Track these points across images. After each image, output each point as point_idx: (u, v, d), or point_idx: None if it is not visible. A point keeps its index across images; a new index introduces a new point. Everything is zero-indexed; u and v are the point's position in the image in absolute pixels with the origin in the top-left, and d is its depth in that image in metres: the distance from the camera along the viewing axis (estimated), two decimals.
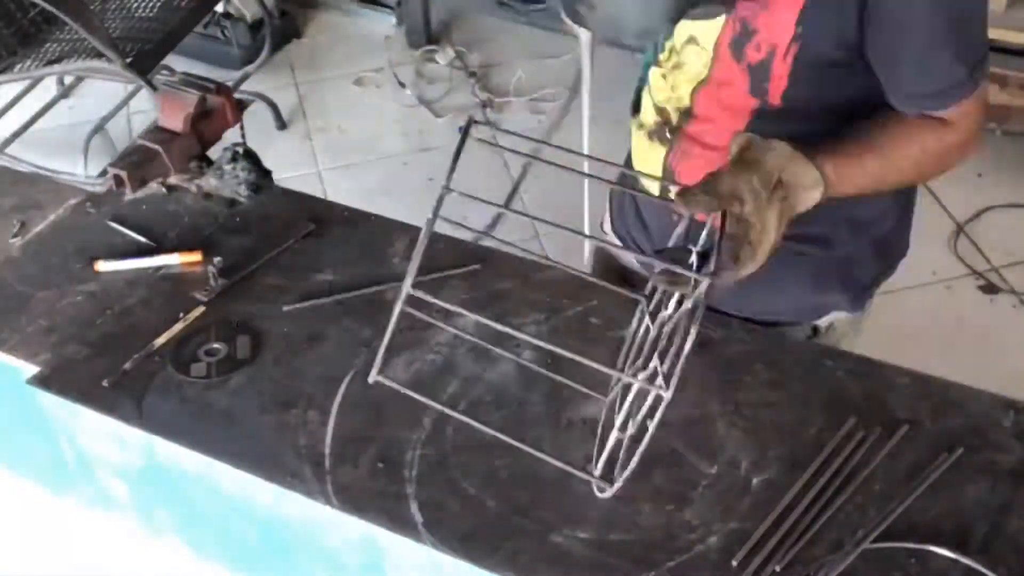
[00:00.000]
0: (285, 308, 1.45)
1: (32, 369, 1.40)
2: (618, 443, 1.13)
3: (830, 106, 1.32)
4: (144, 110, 3.41)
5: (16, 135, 3.22)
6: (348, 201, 1.69)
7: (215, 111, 1.62)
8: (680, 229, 1.23)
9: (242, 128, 1.67)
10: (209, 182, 1.62)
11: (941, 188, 3.14)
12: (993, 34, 3.19)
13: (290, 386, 1.35)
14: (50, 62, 2.76)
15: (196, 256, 1.53)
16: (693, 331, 1.05)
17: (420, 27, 3.79)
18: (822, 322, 1.55)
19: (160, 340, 1.41)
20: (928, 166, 1.29)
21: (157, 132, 1.61)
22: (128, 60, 2.62)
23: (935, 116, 1.27)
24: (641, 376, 1.14)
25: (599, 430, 1.25)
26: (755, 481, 1.20)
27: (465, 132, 1.15)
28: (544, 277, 1.49)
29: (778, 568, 1.11)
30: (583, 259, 1.64)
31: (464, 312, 1.22)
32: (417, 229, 1.57)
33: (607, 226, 1.69)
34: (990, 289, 2.85)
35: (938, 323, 2.77)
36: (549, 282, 1.48)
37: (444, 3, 3.87)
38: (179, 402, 1.34)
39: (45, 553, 1.71)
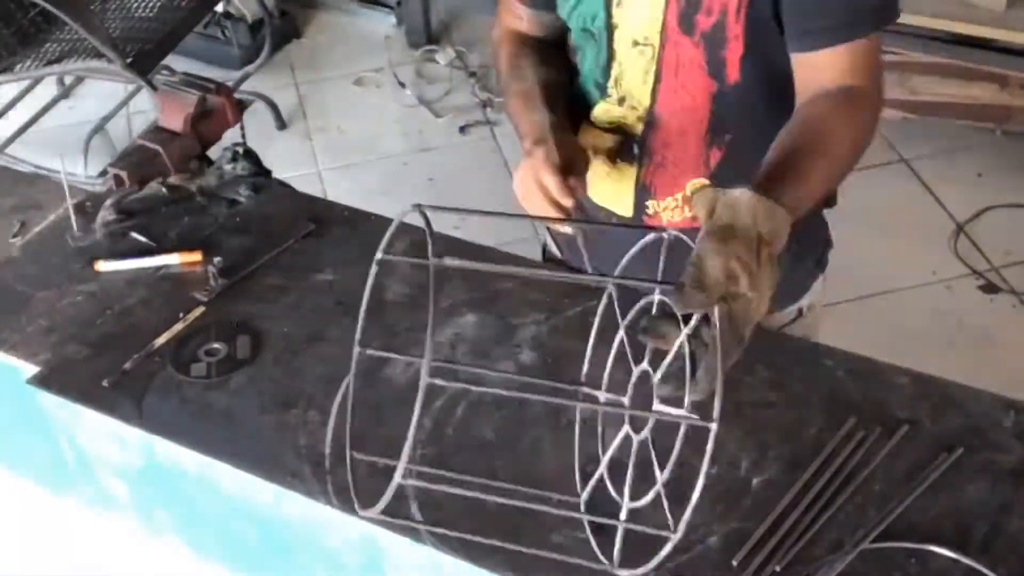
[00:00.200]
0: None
1: (32, 369, 1.40)
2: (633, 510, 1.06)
3: (782, 79, 1.29)
4: (144, 110, 3.41)
5: (16, 135, 3.22)
6: (348, 201, 1.69)
7: (215, 111, 1.62)
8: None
9: (242, 128, 1.67)
10: (209, 182, 1.62)
11: (941, 188, 3.14)
12: (993, 34, 3.18)
13: (290, 386, 1.35)
14: (50, 62, 2.76)
15: (196, 256, 1.53)
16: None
17: (420, 27, 3.79)
18: (804, 302, 1.56)
19: (160, 340, 1.41)
20: (859, 143, 1.23)
21: (157, 132, 1.61)
22: (128, 60, 2.62)
23: (837, 89, 1.22)
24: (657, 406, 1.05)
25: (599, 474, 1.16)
26: (755, 481, 1.20)
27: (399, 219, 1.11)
28: (544, 278, 1.49)
29: (778, 568, 1.11)
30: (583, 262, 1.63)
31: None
32: (417, 229, 1.57)
33: (552, 249, 1.67)
34: (990, 289, 2.85)
35: (938, 323, 2.77)
36: (549, 282, 1.48)
37: (444, 3, 3.87)
38: (179, 402, 1.34)
39: (45, 553, 1.71)
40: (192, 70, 1.78)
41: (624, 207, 1.45)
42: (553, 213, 1.28)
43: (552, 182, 1.27)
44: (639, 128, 1.38)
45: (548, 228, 1.64)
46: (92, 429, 1.40)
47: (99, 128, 3.26)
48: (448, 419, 1.30)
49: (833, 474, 1.19)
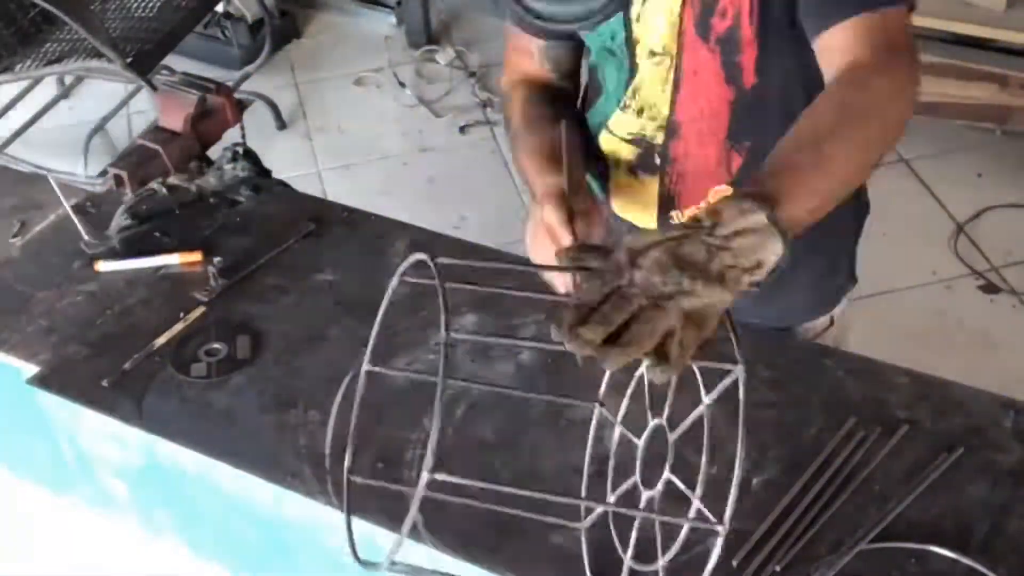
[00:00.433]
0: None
1: (32, 369, 1.40)
2: None
3: (800, 81, 1.27)
4: (144, 110, 3.40)
5: (16, 135, 3.22)
6: (348, 201, 1.69)
7: (215, 111, 1.62)
8: None
9: (242, 128, 1.67)
10: (209, 182, 1.62)
11: (941, 188, 3.14)
12: (993, 34, 3.18)
13: (290, 386, 1.35)
14: (50, 62, 2.76)
15: (196, 256, 1.53)
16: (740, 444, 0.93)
17: (420, 27, 3.79)
18: (836, 311, 1.55)
19: (160, 340, 1.41)
20: (873, 112, 1.08)
21: (157, 132, 1.61)
22: (128, 60, 2.62)
23: (863, 63, 1.12)
24: (646, 494, 1.04)
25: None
26: (755, 481, 1.20)
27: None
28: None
29: (778, 568, 1.11)
30: None
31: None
32: (417, 228, 1.57)
33: None
34: (990, 289, 2.85)
35: (938, 323, 2.77)
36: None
37: (444, 3, 3.87)
38: (179, 402, 1.34)
39: (45, 553, 1.71)
40: (192, 70, 1.77)
41: (648, 220, 1.43)
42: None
43: (556, 219, 1.20)
44: (659, 138, 1.37)
45: None
46: (92, 429, 1.40)
47: (99, 128, 3.26)
48: (448, 419, 1.30)
49: (833, 474, 1.19)
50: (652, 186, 1.41)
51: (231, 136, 1.67)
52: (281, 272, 1.51)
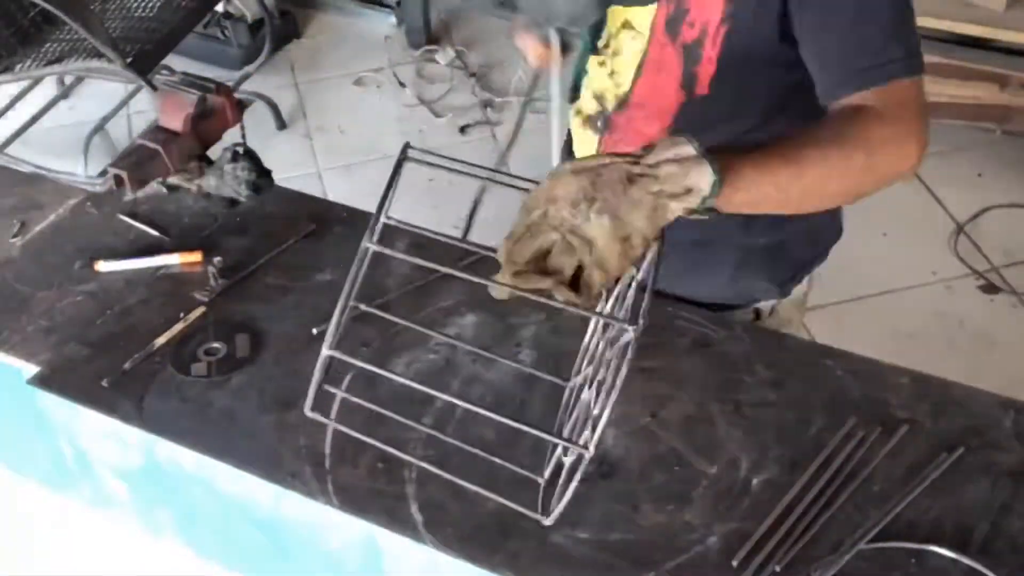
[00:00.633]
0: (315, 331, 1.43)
1: (32, 369, 1.40)
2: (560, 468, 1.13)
3: (753, 103, 1.33)
4: (144, 110, 3.41)
5: (16, 135, 3.22)
6: (348, 201, 1.69)
7: (215, 111, 1.62)
8: None
9: (242, 128, 1.67)
10: (209, 182, 1.62)
11: (941, 188, 3.14)
12: (993, 34, 3.18)
13: (290, 386, 1.35)
14: (50, 62, 2.75)
15: (196, 256, 1.53)
16: (624, 367, 1.01)
17: (420, 27, 3.79)
18: (762, 306, 1.57)
19: (160, 340, 1.41)
20: (859, 152, 1.10)
21: (157, 132, 1.61)
22: (128, 60, 2.62)
23: (868, 107, 1.14)
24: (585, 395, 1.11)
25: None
26: (755, 481, 1.20)
27: (399, 163, 1.11)
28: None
29: (778, 568, 1.11)
30: None
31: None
32: (417, 230, 1.57)
33: None
34: (990, 289, 2.85)
35: (938, 323, 2.77)
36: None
37: (444, 3, 3.87)
38: (179, 402, 1.34)
39: (45, 553, 1.71)
40: (192, 70, 1.77)
41: None
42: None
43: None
44: (612, 104, 1.43)
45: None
46: (92, 429, 1.40)
47: (99, 128, 3.26)
48: (448, 419, 1.30)
49: (833, 474, 1.19)
50: (593, 143, 1.48)
51: (231, 136, 1.67)
52: (281, 272, 1.51)
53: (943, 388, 1.30)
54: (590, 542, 1.15)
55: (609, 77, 1.43)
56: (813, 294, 1.67)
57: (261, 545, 1.39)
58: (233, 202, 1.62)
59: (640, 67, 1.38)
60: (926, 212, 3.09)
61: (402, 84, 3.64)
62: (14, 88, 3.24)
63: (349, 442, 1.28)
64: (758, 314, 1.57)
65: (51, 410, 1.42)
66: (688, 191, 0.97)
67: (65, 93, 3.48)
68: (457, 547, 1.16)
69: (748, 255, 1.50)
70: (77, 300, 1.49)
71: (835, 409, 1.27)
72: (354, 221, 1.60)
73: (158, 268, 1.53)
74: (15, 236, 1.62)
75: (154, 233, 1.58)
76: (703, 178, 0.98)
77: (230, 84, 1.89)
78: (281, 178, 1.73)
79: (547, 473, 1.16)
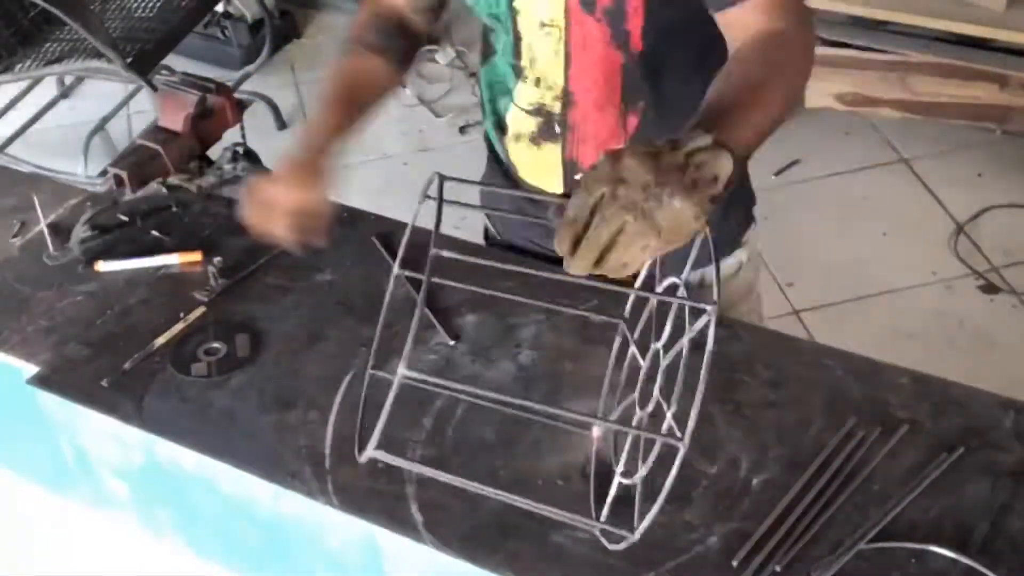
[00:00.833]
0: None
1: (32, 369, 1.40)
2: (625, 489, 1.10)
3: (689, 42, 1.33)
4: (144, 110, 3.41)
5: (16, 135, 3.22)
6: (348, 201, 1.69)
7: (215, 111, 1.62)
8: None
9: (242, 128, 1.67)
10: (209, 182, 1.62)
11: (941, 188, 3.14)
12: (993, 34, 3.18)
13: (290, 386, 1.35)
14: (50, 62, 2.76)
15: (196, 256, 1.53)
16: (704, 373, 0.98)
17: None
18: (741, 256, 1.59)
19: (160, 340, 1.41)
20: (788, 81, 1.18)
21: (157, 132, 1.61)
22: (128, 60, 2.62)
23: (756, 34, 1.19)
24: (639, 413, 1.11)
25: (591, 471, 1.22)
26: (755, 481, 1.20)
27: (440, 191, 1.11)
28: (544, 277, 1.49)
29: (778, 568, 1.11)
30: None
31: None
32: (418, 230, 1.57)
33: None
34: (990, 289, 2.85)
35: (938, 323, 2.77)
36: (549, 282, 1.47)
37: None
38: (179, 402, 1.34)
39: (45, 553, 1.71)
40: (192, 70, 1.77)
41: (554, 184, 1.49)
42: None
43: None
44: (557, 107, 1.42)
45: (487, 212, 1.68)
46: (92, 429, 1.40)
47: (99, 128, 3.26)
48: (448, 419, 1.30)
49: (833, 474, 1.19)
50: (555, 153, 1.46)
51: (231, 136, 1.67)
52: (281, 272, 1.51)
53: (943, 388, 1.30)
54: (590, 542, 1.15)
55: (536, 86, 1.42)
56: (813, 294, 1.67)
57: (261, 545, 1.39)
58: (233, 202, 1.62)
59: (566, 56, 1.37)
60: (926, 212, 3.09)
61: (402, 84, 3.64)
62: (14, 88, 3.24)
63: (349, 441, 1.28)
64: (739, 265, 1.59)
65: (51, 410, 1.42)
66: (715, 179, 1.00)
67: (65, 93, 3.49)
68: (457, 547, 1.16)
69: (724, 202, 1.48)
70: (77, 300, 1.49)
71: (835, 409, 1.27)
72: (354, 221, 1.60)
73: (158, 268, 1.53)
74: (15, 236, 1.62)
75: (154, 233, 1.58)
76: (726, 166, 1.00)
77: (230, 84, 1.89)
78: None
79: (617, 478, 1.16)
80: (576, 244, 0.97)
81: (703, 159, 0.99)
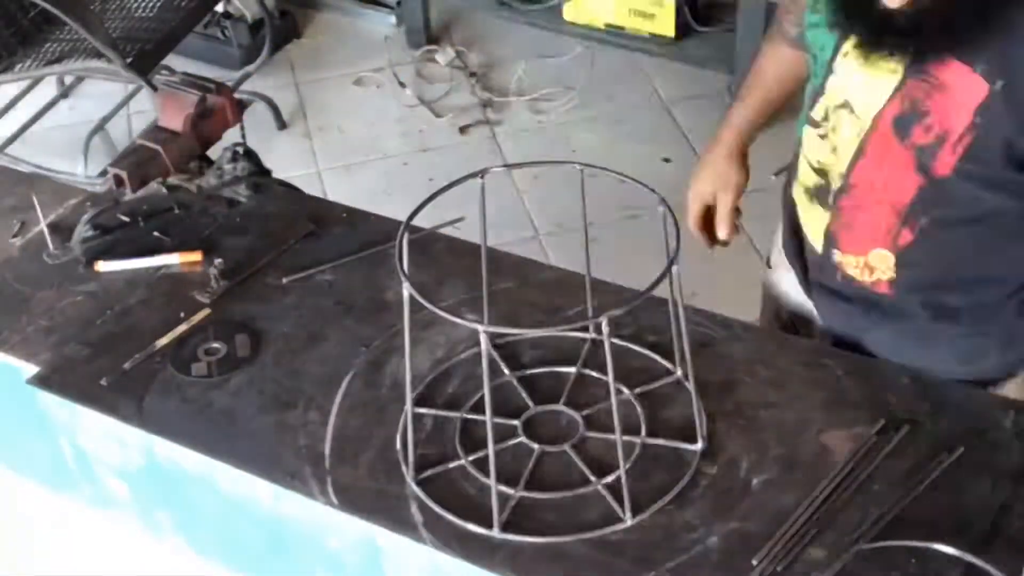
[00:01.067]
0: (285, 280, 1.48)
1: (32, 369, 1.40)
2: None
3: (999, 180, 1.25)
4: (144, 110, 3.40)
5: (16, 135, 3.22)
6: (348, 201, 1.69)
7: (215, 111, 1.62)
8: None
9: (242, 128, 1.67)
10: (209, 182, 1.62)
11: None
12: None
13: (290, 386, 1.35)
14: (50, 62, 2.75)
15: (196, 256, 1.53)
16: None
17: (420, 27, 3.78)
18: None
19: (163, 341, 1.41)
20: None
21: (157, 132, 1.61)
22: (128, 60, 2.62)
23: None
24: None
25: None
26: (755, 481, 1.20)
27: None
28: (544, 277, 1.49)
29: (778, 568, 1.11)
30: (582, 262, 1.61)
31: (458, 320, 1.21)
32: (418, 229, 1.57)
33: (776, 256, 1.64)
34: None
35: None
36: (549, 282, 1.48)
37: (444, 3, 3.87)
38: (179, 402, 1.34)
39: (45, 553, 1.71)
40: (192, 70, 1.77)
41: (816, 243, 1.44)
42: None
43: (727, 205, 1.57)
44: (837, 183, 1.36)
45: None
46: (92, 429, 1.40)
47: (99, 128, 3.25)
48: (448, 419, 1.30)
49: (834, 474, 1.19)
50: (820, 218, 1.41)
51: (231, 136, 1.67)
52: (281, 272, 1.51)
53: (943, 388, 1.30)
54: (590, 542, 1.15)
55: (832, 153, 1.35)
56: None
57: (261, 545, 1.39)
58: (233, 202, 1.62)
59: (860, 151, 1.30)
60: None
61: (402, 84, 3.64)
62: (14, 88, 3.23)
63: (349, 441, 1.28)
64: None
65: (51, 410, 1.42)
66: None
67: (65, 93, 3.48)
68: (457, 547, 1.16)
69: (976, 341, 1.43)
70: (77, 300, 1.49)
71: (835, 409, 1.27)
72: (354, 221, 1.60)
73: (158, 268, 1.53)
74: (15, 236, 1.62)
75: (154, 233, 1.58)
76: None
77: (230, 84, 1.89)
78: (281, 178, 1.73)
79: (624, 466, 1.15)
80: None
81: None
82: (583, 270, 1.41)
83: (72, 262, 1.54)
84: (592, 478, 1.21)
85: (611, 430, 1.16)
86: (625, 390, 1.29)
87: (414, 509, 1.20)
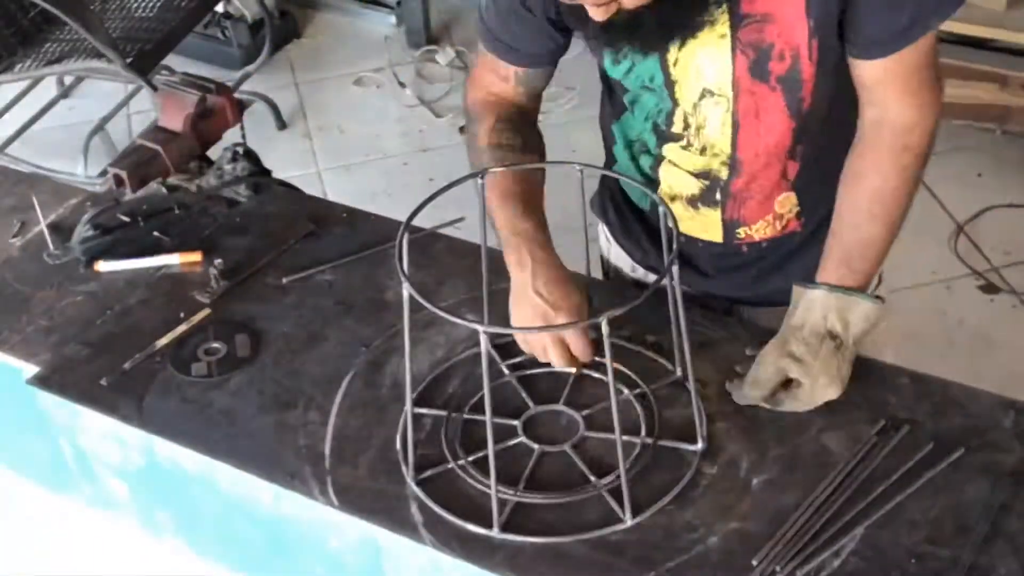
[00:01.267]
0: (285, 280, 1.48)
1: (32, 369, 1.40)
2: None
3: (844, 84, 1.30)
4: (144, 110, 3.41)
5: (16, 135, 3.22)
6: (348, 201, 1.69)
7: (215, 111, 1.62)
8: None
9: (242, 128, 1.67)
10: (209, 182, 1.62)
11: (941, 188, 3.14)
12: (993, 34, 3.18)
13: (290, 386, 1.35)
14: (50, 62, 2.76)
15: (196, 256, 1.53)
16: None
17: (420, 27, 3.79)
18: None
19: (163, 341, 1.41)
20: (911, 184, 1.30)
21: (157, 132, 1.61)
22: (128, 60, 2.62)
23: (888, 134, 1.27)
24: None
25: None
26: (755, 481, 1.20)
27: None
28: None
29: (778, 568, 1.11)
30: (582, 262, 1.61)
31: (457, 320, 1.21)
32: (418, 229, 1.57)
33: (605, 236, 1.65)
34: (990, 289, 2.85)
35: (938, 323, 2.76)
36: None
37: (444, 3, 3.87)
38: (179, 402, 1.34)
39: (45, 553, 1.70)
40: (192, 70, 1.77)
41: (713, 236, 1.45)
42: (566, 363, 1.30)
43: (581, 348, 1.28)
44: (724, 173, 1.37)
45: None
46: (92, 429, 1.40)
47: (99, 128, 3.25)
48: (448, 419, 1.30)
49: (834, 474, 1.19)
50: (713, 216, 1.42)
51: (231, 136, 1.67)
52: (281, 272, 1.51)
53: (943, 388, 1.30)
54: (590, 542, 1.15)
55: (702, 154, 1.37)
56: None
57: (261, 545, 1.39)
58: (233, 202, 1.62)
59: (734, 125, 1.32)
60: (926, 212, 3.08)
61: (402, 84, 3.64)
62: (14, 88, 3.23)
63: (349, 441, 1.28)
64: None
65: (51, 410, 1.42)
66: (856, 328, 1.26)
67: (65, 93, 3.48)
68: (457, 547, 1.16)
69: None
70: (77, 300, 1.49)
71: (835, 409, 1.27)
72: (354, 221, 1.60)
73: (158, 268, 1.53)
74: (15, 236, 1.62)
75: (154, 233, 1.58)
76: (863, 313, 1.26)
77: (230, 84, 1.89)
78: (281, 178, 1.73)
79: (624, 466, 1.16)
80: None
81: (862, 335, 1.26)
82: (583, 270, 1.41)
83: (72, 262, 1.54)
84: (592, 478, 1.21)
85: (611, 430, 1.15)
86: (625, 390, 1.29)
87: (414, 509, 1.20)
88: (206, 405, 1.34)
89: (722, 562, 1.13)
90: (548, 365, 1.33)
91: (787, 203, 1.40)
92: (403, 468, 1.23)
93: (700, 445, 1.23)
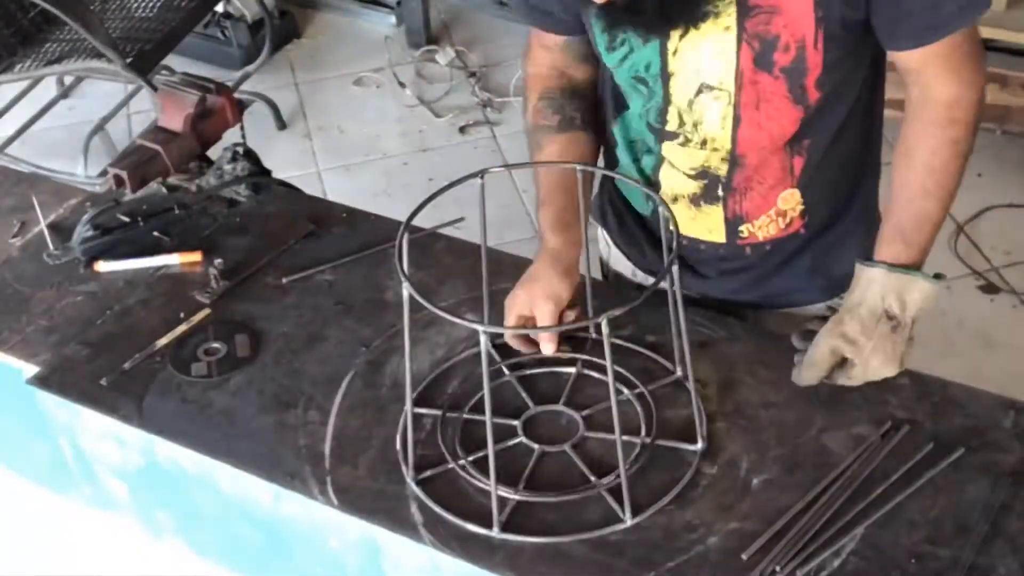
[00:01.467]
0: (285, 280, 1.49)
1: (32, 369, 1.40)
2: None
3: (853, 74, 1.31)
4: (144, 110, 3.40)
5: (16, 135, 3.22)
6: (348, 201, 1.69)
7: (215, 111, 1.62)
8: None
9: (242, 128, 1.67)
10: (209, 182, 1.62)
11: None
12: (993, 34, 3.18)
13: (290, 386, 1.35)
14: (50, 62, 2.76)
15: (196, 256, 1.53)
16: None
17: (420, 27, 3.79)
18: (835, 302, 1.51)
19: (163, 341, 1.41)
20: (961, 158, 1.29)
21: (157, 132, 1.61)
22: (128, 60, 2.62)
23: (934, 110, 1.26)
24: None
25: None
26: (755, 481, 1.20)
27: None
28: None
29: (778, 568, 1.11)
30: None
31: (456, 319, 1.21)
32: (418, 229, 1.57)
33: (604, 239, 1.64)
34: (990, 289, 2.85)
35: (938, 323, 2.76)
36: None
37: (444, 3, 3.87)
38: (179, 402, 1.34)
39: (45, 553, 1.71)
40: (192, 70, 1.77)
41: (716, 236, 1.44)
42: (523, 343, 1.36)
43: (547, 313, 1.32)
44: (723, 169, 1.36)
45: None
46: (92, 429, 1.40)
47: (99, 128, 3.25)
48: (448, 419, 1.30)
49: (834, 475, 1.19)
50: (716, 214, 1.41)
51: (231, 136, 1.67)
52: (281, 272, 1.51)
53: (943, 388, 1.30)
54: (590, 542, 1.15)
55: (701, 148, 1.35)
56: None
57: (261, 545, 1.39)
58: (233, 202, 1.62)
59: (735, 119, 1.31)
60: None
61: (402, 84, 3.64)
62: (14, 88, 3.23)
63: (349, 441, 1.28)
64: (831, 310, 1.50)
65: (51, 410, 1.42)
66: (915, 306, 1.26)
67: (65, 93, 3.48)
68: (457, 547, 1.16)
69: (827, 251, 1.47)
70: (77, 300, 1.49)
71: (835, 409, 1.27)
72: (354, 221, 1.60)
73: (158, 268, 1.53)
74: (15, 236, 1.62)
75: (154, 233, 1.58)
76: (921, 293, 1.25)
77: (230, 84, 1.89)
78: (281, 178, 1.73)
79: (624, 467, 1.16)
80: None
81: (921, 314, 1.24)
82: (583, 270, 1.41)
83: (72, 262, 1.54)
84: (592, 478, 1.21)
85: (611, 430, 1.15)
86: (625, 390, 1.29)
87: (414, 509, 1.20)
88: (206, 405, 1.34)
89: (722, 562, 1.13)
90: (548, 365, 1.33)
91: (791, 200, 1.39)
92: (403, 468, 1.23)
93: (700, 445, 1.23)
